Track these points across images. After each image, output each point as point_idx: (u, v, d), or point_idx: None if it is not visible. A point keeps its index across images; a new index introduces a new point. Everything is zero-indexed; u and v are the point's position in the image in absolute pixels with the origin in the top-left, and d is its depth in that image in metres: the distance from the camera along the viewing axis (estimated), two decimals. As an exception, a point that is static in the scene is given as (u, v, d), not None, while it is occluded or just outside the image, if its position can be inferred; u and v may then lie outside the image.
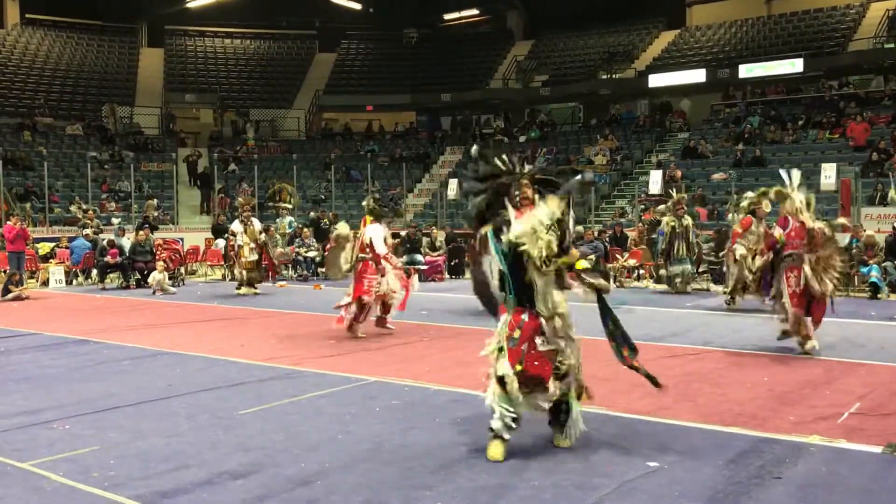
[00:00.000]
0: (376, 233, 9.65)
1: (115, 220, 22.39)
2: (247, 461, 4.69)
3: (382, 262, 9.57)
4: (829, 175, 18.86)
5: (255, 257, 14.89)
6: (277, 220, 20.63)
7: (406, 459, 4.70)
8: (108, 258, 16.73)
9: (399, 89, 32.68)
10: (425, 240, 18.69)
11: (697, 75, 27.31)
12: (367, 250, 9.55)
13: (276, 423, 5.56)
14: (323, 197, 27.11)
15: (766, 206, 10.80)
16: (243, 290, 14.69)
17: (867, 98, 24.82)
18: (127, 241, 17.49)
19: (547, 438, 5.09)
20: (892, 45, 25.04)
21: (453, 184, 25.08)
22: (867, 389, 6.42)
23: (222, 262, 17.98)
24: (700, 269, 15.01)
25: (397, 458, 4.74)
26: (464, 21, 36.37)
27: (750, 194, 11.38)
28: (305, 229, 19.06)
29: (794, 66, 25.66)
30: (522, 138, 29.84)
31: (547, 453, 4.80)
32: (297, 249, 18.42)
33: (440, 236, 19.44)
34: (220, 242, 18.19)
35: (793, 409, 5.84)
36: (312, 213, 21.60)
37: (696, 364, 7.67)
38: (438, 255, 18.40)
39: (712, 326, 10.25)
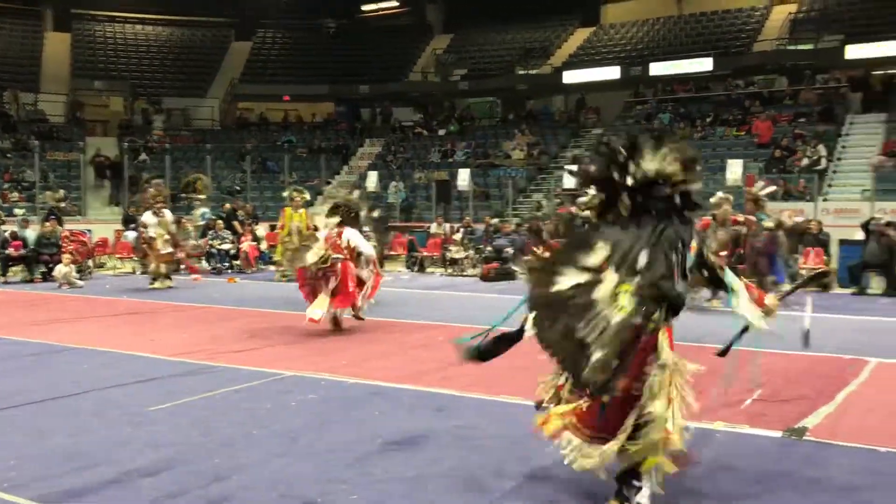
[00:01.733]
0: (357, 236, 9.29)
1: (17, 211, 21.45)
2: (157, 458, 4.58)
3: (372, 265, 9.37)
4: (734, 171, 19.57)
5: (168, 249, 14.52)
6: (193, 211, 20.13)
7: (322, 453, 4.67)
8: (10, 250, 16.04)
9: (317, 80, 32.29)
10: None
11: (611, 72, 27.91)
12: (345, 252, 9.10)
13: (189, 419, 5.44)
14: (238, 188, 26.58)
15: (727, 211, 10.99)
16: (157, 283, 14.30)
17: (771, 97, 25.87)
18: (32, 233, 16.77)
19: (463, 427, 5.13)
20: (793, 47, 26.15)
21: (373, 176, 24.98)
22: (767, 377, 6.69)
23: (132, 255, 17.47)
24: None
25: (313, 452, 4.71)
26: (382, 13, 36.20)
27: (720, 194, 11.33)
28: (219, 221, 18.67)
29: (703, 65, 26.52)
30: (442, 132, 29.96)
31: (463, 443, 4.84)
32: (210, 242, 18.04)
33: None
34: (131, 234, 17.65)
35: (700, 396, 6.03)
36: (227, 205, 21.16)
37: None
38: (357, 248, 18.26)
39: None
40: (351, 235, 9.19)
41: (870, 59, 24.32)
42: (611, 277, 3.41)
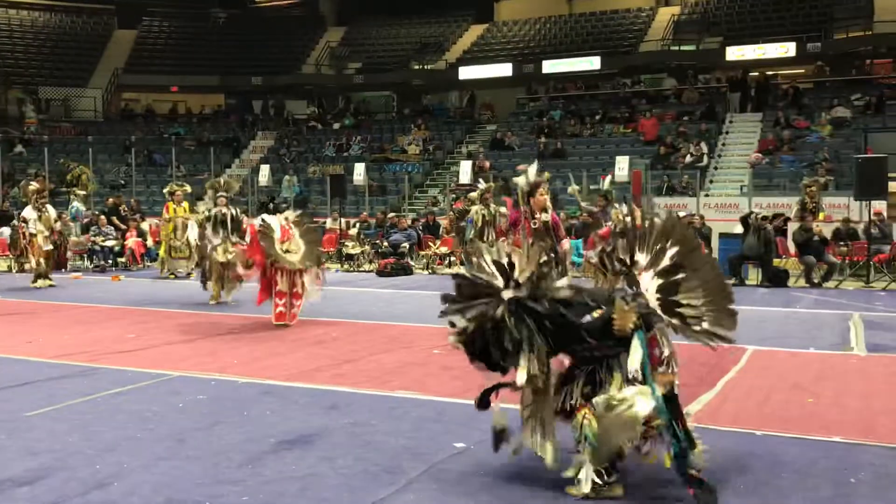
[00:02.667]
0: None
1: None
2: (35, 466, 4.34)
3: None
4: (622, 167, 20.21)
5: (50, 246, 13.82)
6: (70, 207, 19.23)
7: (211, 455, 4.54)
8: None
9: (206, 70, 31.42)
10: (235, 228, 18.09)
11: (504, 69, 28.36)
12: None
13: (69, 424, 5.19)
14: (123, 182, 25.59)
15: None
16: (40, 282, 13.57)
17: (657, 96, 26.86)
18: None
19: (356, 423, 5.10)
20: (676, 48, 27.23)
21: (265, 170, 24.49)
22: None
23: (7, 253, 16.54)
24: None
25: (202, 454, 4.57)
26: (274, 3, 35.55)
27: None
28: (102, 217, 17.90)
29: (592, 63, 27.30)
30: (336, 125, 29.69)
31: (356, 440, 4.81)
32: (93, 238, 17.27)
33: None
34: (6, 231, 16.71)
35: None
36: (111, 199, 20.32)
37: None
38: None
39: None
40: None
41: (748, 60, 25.61)
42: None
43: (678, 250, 4.04)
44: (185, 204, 10.85)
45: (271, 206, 17.83)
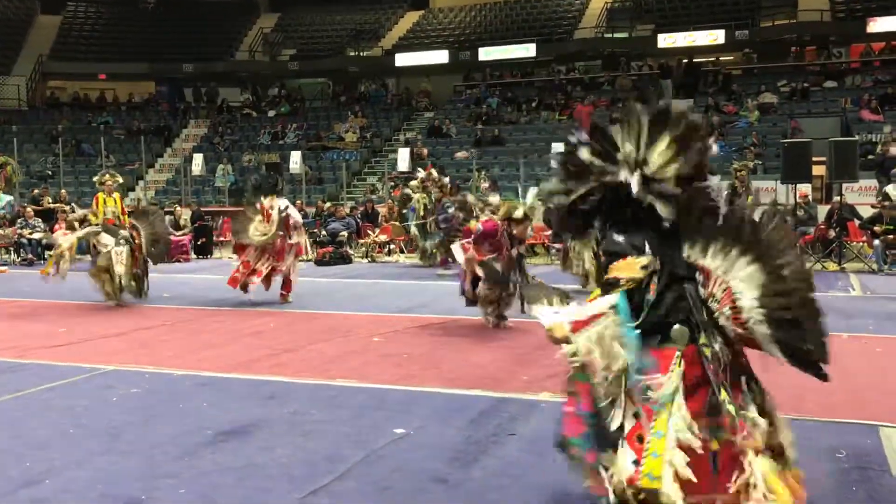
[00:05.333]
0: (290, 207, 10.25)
1: None
2: (-41, 467, 4.21)
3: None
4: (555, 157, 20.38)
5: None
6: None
7: (147, 448, 4.46)
8: None
9: (136, 57, 30.58)
10: (168, 218, 17.73)
11: (440, 56, 28.33)
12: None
13: (-4, 421, 5.04)
14: (50, 173, 24.80)
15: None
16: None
17: (591, 83, 27.18)
18: None
19: (295, 413, 5.07)
20: (610, 35, 27.60)
21: (198, 158, 24.01)
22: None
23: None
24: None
25: (137, 448, 4.49)
26: (205, -12, 34.77)
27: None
28: (29, 209, 17.34)
29: (528, 50, 27.48)
30: (271, 113, 29.27)
31: (295, 430, 4.79)
32: (20, 231, 16.72)
33: (185, 214, 18.58)
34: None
35: (527, 369, 6.29)
36: (35, 191, 19.68)
37: (442, 332, 8.01)
38: (183, 235, 17.58)
39: (458, 296, 10.71)
40: (282, 204, 9.98)
41: (679, 47, 26.12)
42: None
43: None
44: (117, 195, 10.55)
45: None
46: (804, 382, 5.86)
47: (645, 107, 2.88)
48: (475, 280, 7.99)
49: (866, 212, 14.38)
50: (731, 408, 2.80)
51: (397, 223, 16.77)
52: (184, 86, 32.20)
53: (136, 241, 10.18)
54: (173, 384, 6.00)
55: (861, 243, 14.50)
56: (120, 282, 9.95)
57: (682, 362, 2.78)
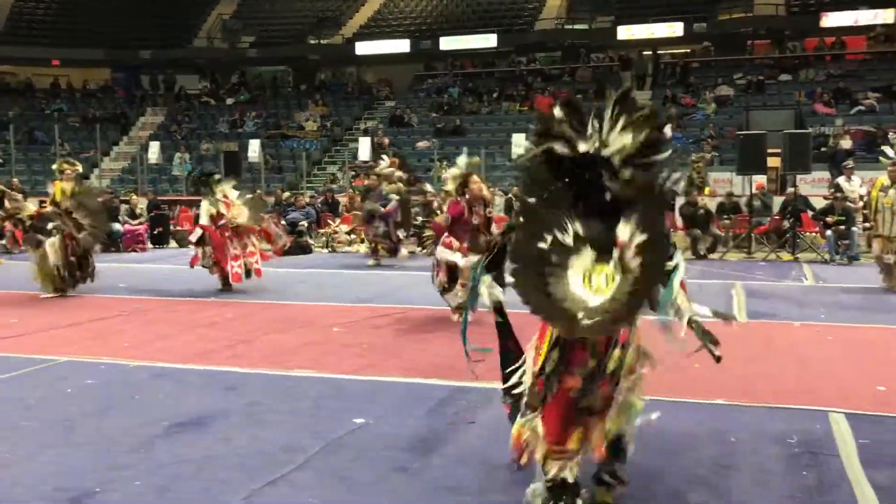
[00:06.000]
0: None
1: None
2: None
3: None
4: (518, 145, 20.45)
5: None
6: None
7: (102, 440, 4.40)
8: None
9: (91, 43, 29.91)
10: (124, 207, 17.45)
11: (402, 45, 28.20)
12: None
13: (-55, 415, 4.93)
14: (1, 161, 24.22)
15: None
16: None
17: (551, 74, 27.28)
18: None
19: (253, 404, 5.04)
20: (570, 27, 27.72)
21: (155, 147, 23.61)
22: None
23: None
24: (409, 234, 15.56)
25: (92, 439, 4.43)
26: (162, -27, 34.13)
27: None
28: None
29: (489, 41, 27.48)
30: (230, 101, 28.90)
31: (253, 420, 4.75)
32: (-31, 220, 16.30)
33: (141, 203, 18.28)
34: None
35: (486, 358, 6.30)
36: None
37: (402, 322, 8.01)
38: (139, 224, 17.31)
39: (418, 287, 10.72)
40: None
41: (638, 39, 26.33)
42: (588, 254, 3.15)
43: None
44: (74, 183, 10.33)
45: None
46: (756, 369, 6.00)
47: (611, 95, 3.14)
48: (451, 272, 7.86)
49: (819, 203, 14.67)
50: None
51: (358, 213, 16.66)
52: (141, 73, 31.65)
53: (67, 231, 9.98)
54: (129, 375, 5.91)
55: (814, 234, 14.78)
56: (58, 272, 9.79)
57: None
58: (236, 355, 6.51)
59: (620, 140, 3.06)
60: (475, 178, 7.74)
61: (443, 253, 7.85)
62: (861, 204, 12.26)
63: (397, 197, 13.33)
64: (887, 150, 10.44)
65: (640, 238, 2.99)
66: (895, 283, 9.87)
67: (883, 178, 9.98)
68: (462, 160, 7.88)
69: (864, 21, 24.37)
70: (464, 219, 7.72)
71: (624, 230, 3.03)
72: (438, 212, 8.99)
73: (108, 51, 30.12)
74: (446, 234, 7.89)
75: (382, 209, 13.28)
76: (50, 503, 3.60)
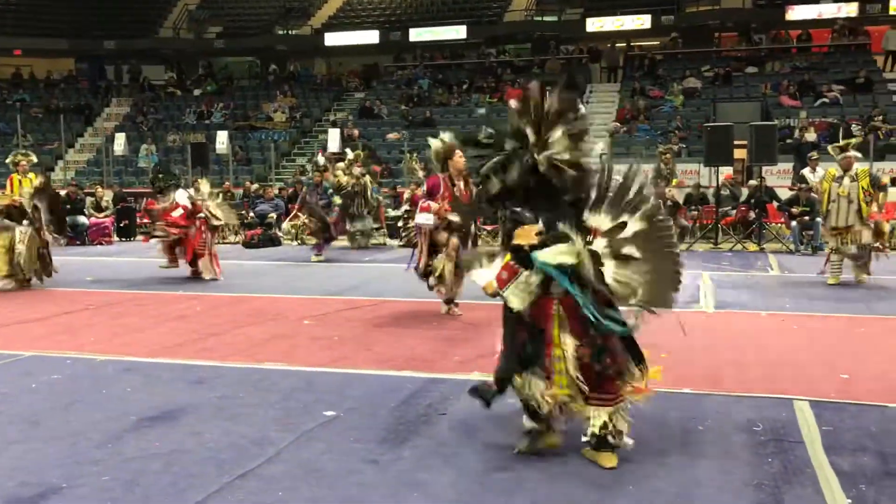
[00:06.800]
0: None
1: None
2: None
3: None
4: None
5: None
6: None
7: (69, 435, 4.34)
8: None
9: (54, 33, 29.40)
10: (89, 199, 17.23)
11: (371, 36, 28.05)
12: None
13: None
14: (-39, 152, 23.72)
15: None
16: None
17: (521, 66, 27.32)
18: None
19: (224, 397, 5.01)
20: (539, 19, 27.77)
21: (121, 138, 23.29)
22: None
23: None
24: (377, 226, 15.57)
25: (58, 435, 4.37)
26: (127, -38, 33.60)
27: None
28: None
29: (459, 32, 27.44)
30: (197, 92, 28.57)
31: (223, 414, 4.72)
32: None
33: (107, 196, 18.04)
34: None
35: (458, 349, 6.34)
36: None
37: (373, 314, 7.99)
38: (105, 217, 17.09)
39: (389, 279, 10.73)
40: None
41: (607, 31, 26.45)
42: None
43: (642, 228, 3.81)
44: (32, 175, 10.13)
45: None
46: (722, 358, 6.08)
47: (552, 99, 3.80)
48: (432, 248, 7.83)
49: (784, 194, 14.89)
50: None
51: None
52: (105, 63, 31.15)
53: (38, 224, 9.84)
54: (96, 370, 5.84)
55: (779, 225, 15.01)
56: (19, 262, 9.64)
57: (561, 308, 3.87)
58: (206, 348, 6.46)
59: (562, 145, 3.77)
60: (459, 151, 7.63)
61: (420, 217, 7.87)
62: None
63: (339, 200, 13.48)
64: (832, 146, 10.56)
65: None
66: (863, 275, 9.95)
67: (833, 169, 10.03)
68: (446, 135, 7.90)
69: (827, 14, 24.72)
70: (440, 193, 7.72)
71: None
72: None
73: (71, 41, 29.61)
74: (423, 200, 7.92)
75: (323, 212, 13.21)
76: (15, 499, 3.55)
